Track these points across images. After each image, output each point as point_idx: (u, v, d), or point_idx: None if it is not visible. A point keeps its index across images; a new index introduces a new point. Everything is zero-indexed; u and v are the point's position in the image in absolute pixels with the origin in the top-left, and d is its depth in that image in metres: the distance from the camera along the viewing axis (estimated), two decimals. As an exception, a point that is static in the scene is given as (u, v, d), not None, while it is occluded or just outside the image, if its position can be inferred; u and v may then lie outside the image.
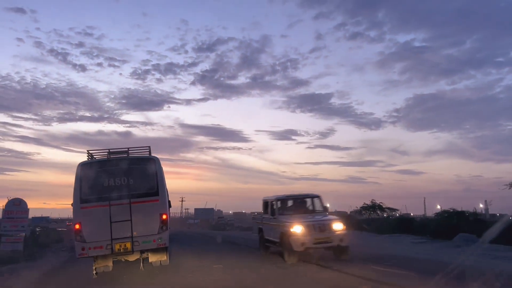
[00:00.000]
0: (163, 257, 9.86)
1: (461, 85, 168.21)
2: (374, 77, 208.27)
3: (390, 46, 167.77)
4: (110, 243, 8.90)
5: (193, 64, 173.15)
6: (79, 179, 9.24)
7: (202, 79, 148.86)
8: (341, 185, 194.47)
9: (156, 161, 9.74)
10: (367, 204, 39.23)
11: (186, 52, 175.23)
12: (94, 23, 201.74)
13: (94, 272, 9.29)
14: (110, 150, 9.82)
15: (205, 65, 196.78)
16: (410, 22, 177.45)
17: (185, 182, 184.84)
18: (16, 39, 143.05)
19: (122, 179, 9.33)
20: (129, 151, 9.93)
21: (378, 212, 36.92)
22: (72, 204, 9.16)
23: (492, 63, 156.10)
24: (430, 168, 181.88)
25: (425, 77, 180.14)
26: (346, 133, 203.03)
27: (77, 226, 8.92)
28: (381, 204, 37.73)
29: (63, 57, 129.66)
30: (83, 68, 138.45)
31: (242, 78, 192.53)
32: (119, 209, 9.03)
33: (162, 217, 9.30)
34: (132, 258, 9.72)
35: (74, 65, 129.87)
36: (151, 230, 9.16)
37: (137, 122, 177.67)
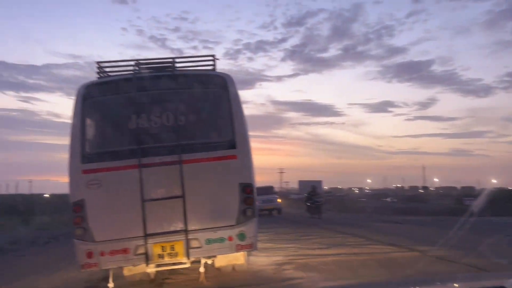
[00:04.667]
0: (238, 259, 5.50)
1: None
2: (482, 39, 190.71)
3: (501, 2, 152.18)
4: (144, 243, 4.56)
5: (283, 40, 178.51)
6: (79, 117, 4.81)
7: (292, 54, 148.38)
8: (445, 158, 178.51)
9: (227, 81, 5.10)
10: None
11: (276, 28, 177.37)
12: (188, 7, 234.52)
13: (111, 282, 4.75)
14: (140, 61, 5.14)
15: (294, 40, 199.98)
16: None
17: (278, 158, 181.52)
18: (120, 29, 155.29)
19: (163, 115, 4.89)
20: (175, 63, 5.19)
21: None
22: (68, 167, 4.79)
23: None
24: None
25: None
26: (450, 102, 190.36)
27: (76, 210, 4.62)
28: None
29: (162, 42, 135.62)
30: (180, 52, 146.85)
31: (333, 50, 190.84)
32: (158, 175, 4.73)
33: (245, 190, 4.84)
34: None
35: (172, 50, 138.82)
36: (223, 216, 4.76)
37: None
